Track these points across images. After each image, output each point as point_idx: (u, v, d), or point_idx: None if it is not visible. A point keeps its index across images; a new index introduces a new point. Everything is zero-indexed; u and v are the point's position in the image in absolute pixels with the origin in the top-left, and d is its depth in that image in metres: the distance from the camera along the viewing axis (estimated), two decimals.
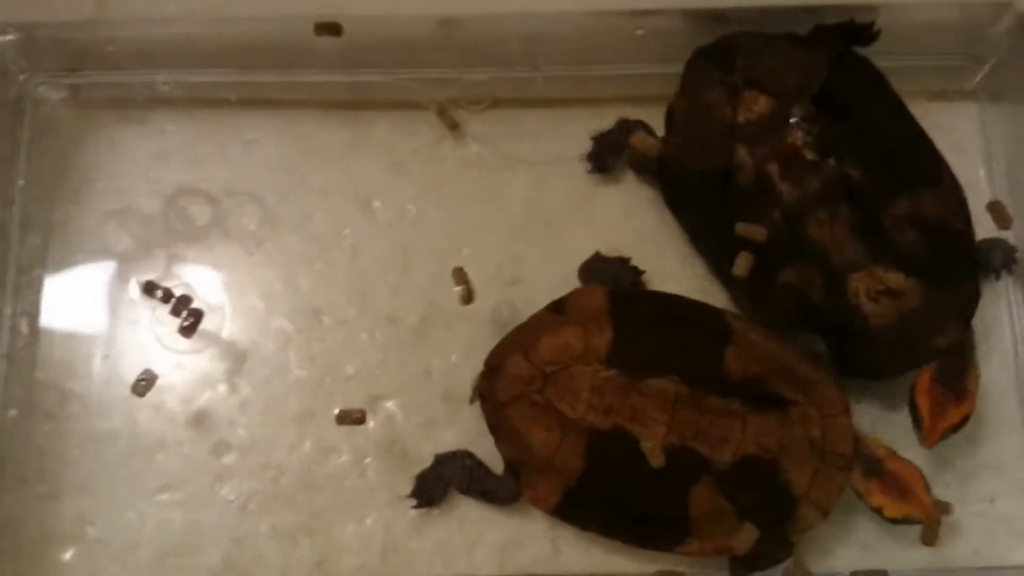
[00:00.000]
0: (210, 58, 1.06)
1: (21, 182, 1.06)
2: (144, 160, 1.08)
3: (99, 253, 1.05)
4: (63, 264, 1.05)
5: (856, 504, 0.93)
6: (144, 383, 0.97)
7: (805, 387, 0.92)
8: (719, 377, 0.91)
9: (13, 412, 1.01)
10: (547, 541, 0.98)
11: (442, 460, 0.98)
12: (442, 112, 1.06)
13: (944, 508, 0.92)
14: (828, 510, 0.91)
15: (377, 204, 1.07)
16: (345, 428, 1.00)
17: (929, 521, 0.90)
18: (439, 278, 1.03)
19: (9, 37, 1.06)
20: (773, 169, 0.94)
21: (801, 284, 0.95)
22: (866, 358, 0.96)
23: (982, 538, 0.99)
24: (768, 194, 0.95)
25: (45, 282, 1.05)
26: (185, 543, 0.99)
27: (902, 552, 0.97)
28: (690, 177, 0.99)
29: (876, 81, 0.99)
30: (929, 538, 0.91)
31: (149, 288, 0.99)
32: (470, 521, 0.99)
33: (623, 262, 1.02)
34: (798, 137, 0.95)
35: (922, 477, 0.91)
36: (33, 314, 1.04)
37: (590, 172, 1.04)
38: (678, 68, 1.01)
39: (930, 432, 0.92)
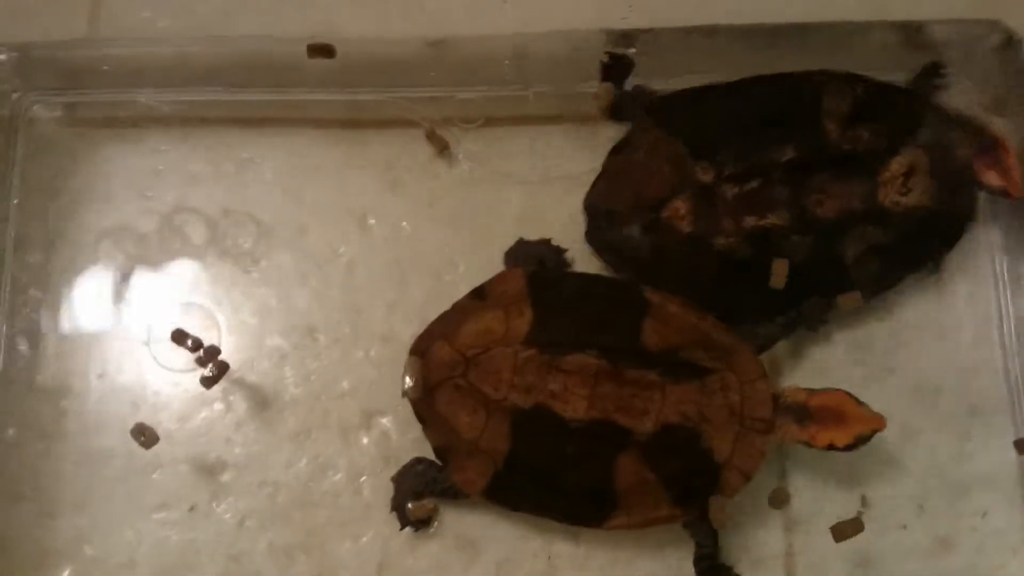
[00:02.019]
0: (204, 77, 1.06)
1: (16, 200, 1.07)
2: (139, 179, 1.08)
3: (95, 271, 1.06)
4: (58, 282, 1.05)
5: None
6: (143, 439, 0.96)
7: (723, 355, 0.93)
8: (638, 350, 0.92)
9: (10, 431, 1.01)
10: (543, 558, 0.99)
11: (399, 479, 0.98)
12: (431, 135, 1.06)
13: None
14: (751, 474, 0.92)
15: (372, 221, 1.07)
16: (340, 444, 1.01)
17: (876, 428, 0.90)
18: (434, 295, 1.04)
19: (3, 56, 1.07)
20: (750, 221, 0.95)
21: (868, 242, 0.96)
22: (953, 227, 1.00)
23: (974, 552, 0.99)
24: (778, 236, 0.95)
25: (40, 300, 1.05)
26: (182, 561, 0.99)
27: (895, 567, 0.98)
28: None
29: (684, 100, 1.00)
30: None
31: (179, 336, 0.97)
32: (466, 538, 0.99)
33: (546, 243, 1.03)
34: (730, 188, 0.95)
35: (848, 395, 0.92)
36: (28, 333, 1.04)
37: None
38: (670, 85, 1.02)
39: (1013, 182, 0.98)
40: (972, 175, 0.99)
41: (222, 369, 0.96)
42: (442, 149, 1.07)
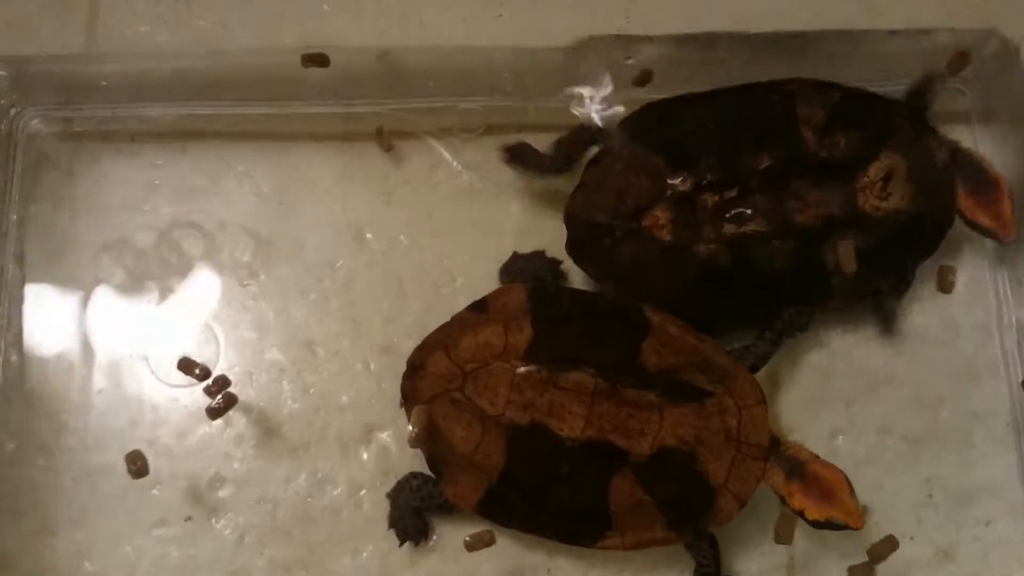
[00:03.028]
0: (201, 91, 1.06)
1: (14, 215, 1.06)
2: (137, 193, 1.08)
3: (93, 286, 1.05)
4: (57, 297, 1.05)
5: (849, 532, 0.93)
6: (135, 468, 0.94)
7: (723, 379, 0.93)
8: (637, 370, 0.92)
9: (9, 446, 1.01)
10: (543, 571, 0.98)
11: (395, 495, 0.98)
12: (380, 134, 1.06)
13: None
14: (746, 500, 0.92)
15: (370, 234, 1.07)
16: (340, 459, 1.01)
17: (851, 524, 0.89)
18: (432, 307, 1.03)
19: (0, 72, 1.06)
20: (730, 228, 0.95)
21: (848, 253, 0.96)
22: (931, 233, 0.99)
23: (977, 561, 0.99)
24: (758, 243, 0.95)
25: (39, 315, 1.04)
26: None
27: None
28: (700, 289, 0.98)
29: (656, 113, 1.00)
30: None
31: (186, 365, 0.97)
32: (465, 552, 0.98)
33: (540, 255, 1.03)
34: (709, 197, 0.95)
35: (847, 481, 0.90)
36: (27, 348, 1.03)
37: None
38: (669, 94, 1.01)
39: (1005, 226, 0.98)
40: (958, 209, 0.99)
41: (229, 401, 0.95)
42: (388, 149, 1.07)
